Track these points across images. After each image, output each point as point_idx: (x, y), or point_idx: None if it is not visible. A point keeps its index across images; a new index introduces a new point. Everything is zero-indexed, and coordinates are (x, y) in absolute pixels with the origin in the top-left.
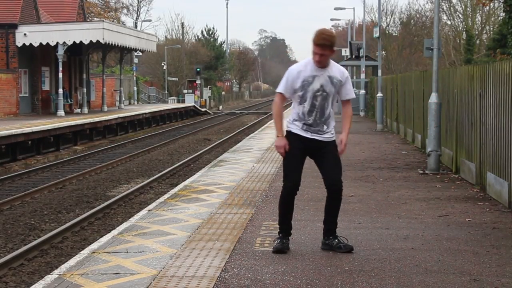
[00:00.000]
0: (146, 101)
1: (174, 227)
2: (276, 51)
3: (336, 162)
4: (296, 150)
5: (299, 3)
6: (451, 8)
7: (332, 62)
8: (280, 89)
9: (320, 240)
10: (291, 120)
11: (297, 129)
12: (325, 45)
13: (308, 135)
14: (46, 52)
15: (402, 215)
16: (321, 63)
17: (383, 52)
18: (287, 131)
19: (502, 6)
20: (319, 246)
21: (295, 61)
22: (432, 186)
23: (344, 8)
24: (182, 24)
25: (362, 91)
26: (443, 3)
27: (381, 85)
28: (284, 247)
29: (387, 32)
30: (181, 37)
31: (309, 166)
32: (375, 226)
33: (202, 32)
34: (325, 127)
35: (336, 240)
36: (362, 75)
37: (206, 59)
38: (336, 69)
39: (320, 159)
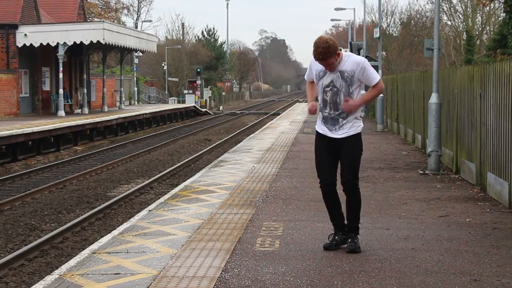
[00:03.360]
0: (147, 101)
1: (174, 227)
2: (276, 52)
3: (350, 162)
4: (322, 149)
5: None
6: (452, 8)
7: (346, 55)
8: (305, 76)
9: (320, 240)
10: (318, 117)
11: (319, 128)
12: (324, 58)
13: (325, 132)
14: (46, 52)
15: (402, 215)
16: (333, 69)
17: (384, 53)
18: (316, 131)
19: (502, 6)
20: (320, 246)
21: (295, 62)
22: (433, 186)
23: (345, 9)
24: (183, 24)
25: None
26: (443, 4)
27: None
28: (332, 244)
29: (388, 32)
30: (181, 37)
31: (309, 167)
32: (375, 227)
33: (202, 32)
34: (341, 120)
35: (349, 239)
36: None
37: (207, 60)
38: (349, 62)
39: (340, 158)
